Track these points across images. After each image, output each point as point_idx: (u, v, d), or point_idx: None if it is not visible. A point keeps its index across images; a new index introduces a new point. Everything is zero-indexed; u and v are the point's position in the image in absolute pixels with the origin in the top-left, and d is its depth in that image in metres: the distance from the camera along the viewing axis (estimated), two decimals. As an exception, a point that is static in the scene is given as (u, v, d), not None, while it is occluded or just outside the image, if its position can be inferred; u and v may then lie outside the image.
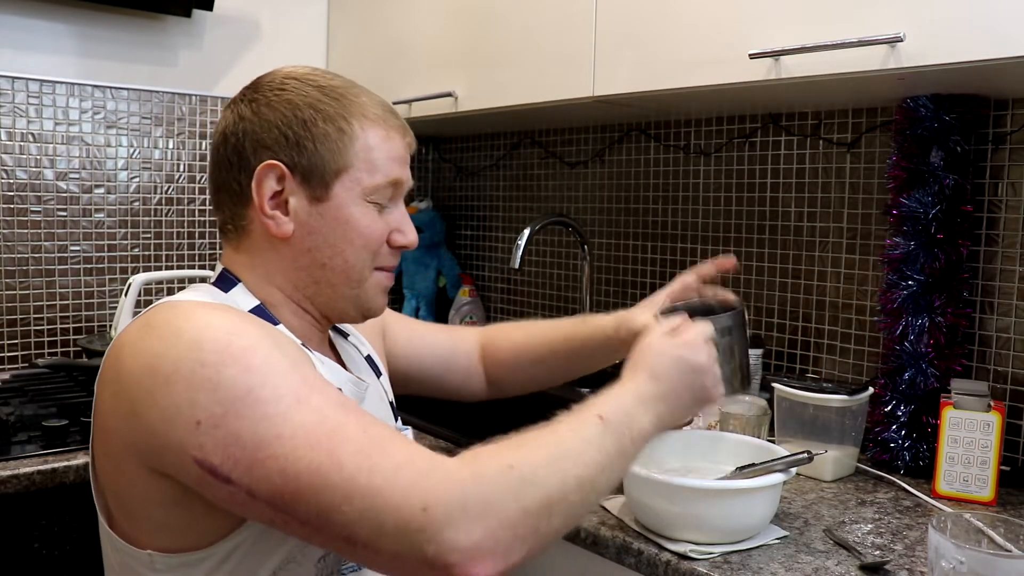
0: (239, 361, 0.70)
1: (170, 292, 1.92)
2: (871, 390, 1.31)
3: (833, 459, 1.25)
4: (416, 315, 2.25)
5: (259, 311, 0.85)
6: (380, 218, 0.87)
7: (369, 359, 1.04)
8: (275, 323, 0.85)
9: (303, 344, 0.85)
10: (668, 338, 0.88)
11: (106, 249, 1.87)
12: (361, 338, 1.07)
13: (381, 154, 0.86)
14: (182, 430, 0.68)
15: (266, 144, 0.84)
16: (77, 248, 1.83)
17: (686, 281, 1.08)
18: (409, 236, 0.90)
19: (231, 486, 0.68)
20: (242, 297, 0.85)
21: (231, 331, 0.72)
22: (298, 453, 0.67)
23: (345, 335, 1.03)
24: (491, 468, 0.70)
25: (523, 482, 0.69)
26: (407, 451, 0.70)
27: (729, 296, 1.05)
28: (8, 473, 1.18)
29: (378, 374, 1.04)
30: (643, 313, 1.06)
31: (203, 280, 0.90)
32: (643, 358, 0.86)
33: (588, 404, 0.80)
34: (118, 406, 0.74)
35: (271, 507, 0.68)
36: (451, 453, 0.73)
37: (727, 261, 1.07)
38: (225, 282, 0.87)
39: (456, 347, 1.21)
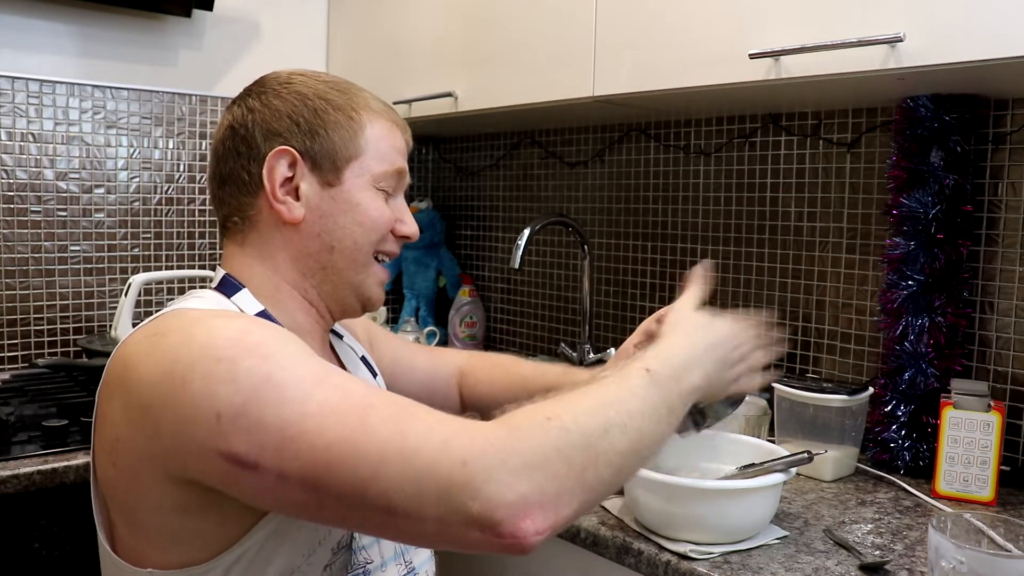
0: (254, 352, 0.69)
1: (170, 292, 1.93)
2: (871, 390, 1.31)
3: (833, 459, 1.25)
4: (416, 315, 2.25)
5: (264, 316, 0.84)
6: (386, 205, 0.90)
7: (364, 360, 1.04)
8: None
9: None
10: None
11: (106, 249, 1.87)
12: (355, 341, 1.06)
13: (387, 144, 0.90)
14: (203, 427, 0.67)
15: (277, 131, 0.85)
16: (77, 248, 1.83)
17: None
18: (411, 227, 0.93)
19: (259, 472, 0.66)
20: (247, 302, 0.85)
21: (242, 329, 0.72)
22: (326, 426, 0.66)
23: (340, 336, 1.03)
24: (528, 422, 0.68)
25: (563, 431, 0.67)
26: (437, 415, 0.69)
27: None
28: (8, 473, 1.18)
29: (374, 374, 1.04)
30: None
31: (202, 280, 0.89)
32: (687, 322, 0.88)
33: (634, 358, 0.80)
34: (131, 416, 0.72)
35: (303, 487, 0.66)
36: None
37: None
38: (228, 287, 0.86)
39: (435, 374, 1.20)
